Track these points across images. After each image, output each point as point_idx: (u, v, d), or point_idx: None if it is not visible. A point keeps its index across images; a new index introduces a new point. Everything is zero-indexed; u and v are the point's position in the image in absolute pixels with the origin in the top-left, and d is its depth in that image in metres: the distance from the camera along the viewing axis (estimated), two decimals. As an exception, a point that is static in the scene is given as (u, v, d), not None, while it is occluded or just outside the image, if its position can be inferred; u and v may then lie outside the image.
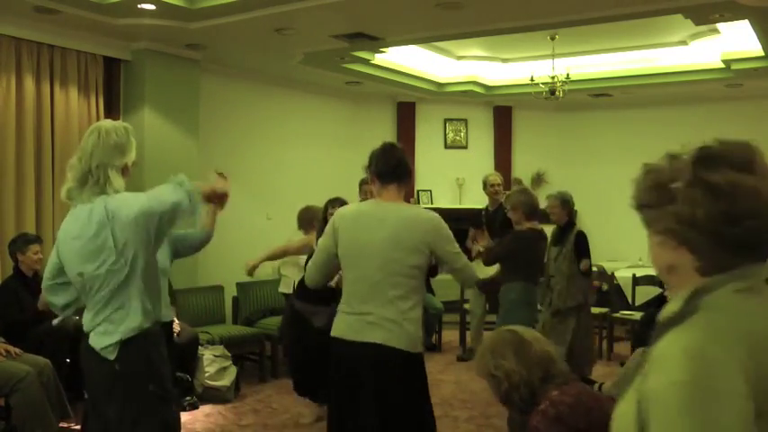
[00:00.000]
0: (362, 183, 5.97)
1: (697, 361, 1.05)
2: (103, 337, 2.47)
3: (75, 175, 2.48)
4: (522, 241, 4.71)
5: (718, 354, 1.05)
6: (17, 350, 4.40)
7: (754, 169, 1.15)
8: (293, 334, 5.02)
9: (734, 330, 1.09)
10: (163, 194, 2.48)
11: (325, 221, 4.79)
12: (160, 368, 2.56)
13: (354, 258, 2.96)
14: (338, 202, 4.85)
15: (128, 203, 2.44)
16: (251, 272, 5.26)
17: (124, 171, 2.53)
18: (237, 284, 6.77)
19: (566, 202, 5.43)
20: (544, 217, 5.20)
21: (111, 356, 2.45)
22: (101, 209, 2.43)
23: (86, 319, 2.54)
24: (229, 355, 5.64)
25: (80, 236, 2.46)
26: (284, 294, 6.27)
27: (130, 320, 2.46)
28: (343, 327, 2.99)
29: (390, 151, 3.04)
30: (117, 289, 2.44)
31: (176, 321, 5.02)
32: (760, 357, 1.06)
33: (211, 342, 5.73)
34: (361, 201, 5.83)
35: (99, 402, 2.56)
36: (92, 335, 2.51)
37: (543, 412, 2.12)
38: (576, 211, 5.56)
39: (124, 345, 2.45)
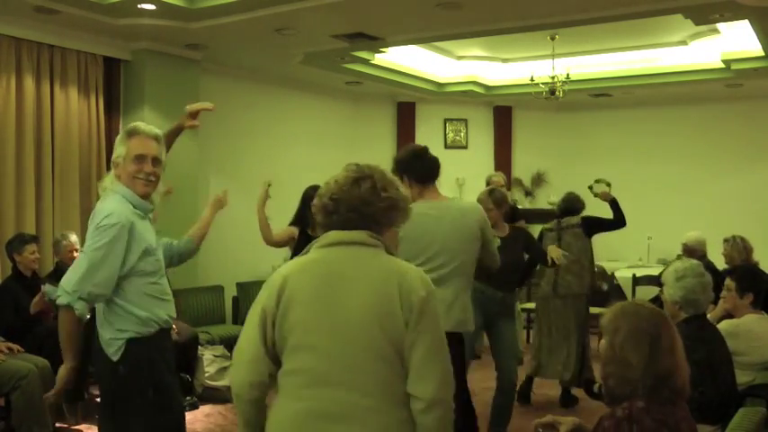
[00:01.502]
0: None
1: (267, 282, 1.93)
2: (103, 329, 2.56)
3: None
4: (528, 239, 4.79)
5: (276, 276, 1.89)
6: (18, 347, 4.41)
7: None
8: None
9: (297, 266, 1.91)
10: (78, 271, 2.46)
11: (306, 213, 4.72)
12: (164, 375, 2.57)
13: (421, 253, 3.10)
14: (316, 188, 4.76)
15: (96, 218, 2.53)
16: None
17: (115, 167, 2.63)
18: (237, 284, 6.78)
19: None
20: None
21: (116, 358, 2.48)
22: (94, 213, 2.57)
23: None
24: (229, 355, 5.63)
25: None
26: None
27: (121, 319, 2.52)
28: None
29: (419, 156, 3.37)
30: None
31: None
32: (286, 285, 1.86)
33: (211, 342, 5.73)
34: None
35: (104, 403, 2.60)
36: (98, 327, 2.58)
37: (618, 422, 1.86)
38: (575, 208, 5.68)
39: (128, 347, 2.48)
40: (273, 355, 1.86)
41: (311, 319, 1.83)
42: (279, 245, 4.95)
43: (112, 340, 2.50)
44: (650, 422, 1.85)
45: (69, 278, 2.45)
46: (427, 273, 2.99)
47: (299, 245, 4.66)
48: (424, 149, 3.40)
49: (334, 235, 1.91)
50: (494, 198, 4.52)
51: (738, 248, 5.40)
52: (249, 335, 1.88)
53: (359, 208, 1.90)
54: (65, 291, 2.44)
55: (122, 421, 2.51)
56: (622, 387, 1.91)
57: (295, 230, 4.78)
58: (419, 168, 3.32)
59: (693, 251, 5.85)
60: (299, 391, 1.82)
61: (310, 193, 4.76)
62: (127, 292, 2.51)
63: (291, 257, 4.72)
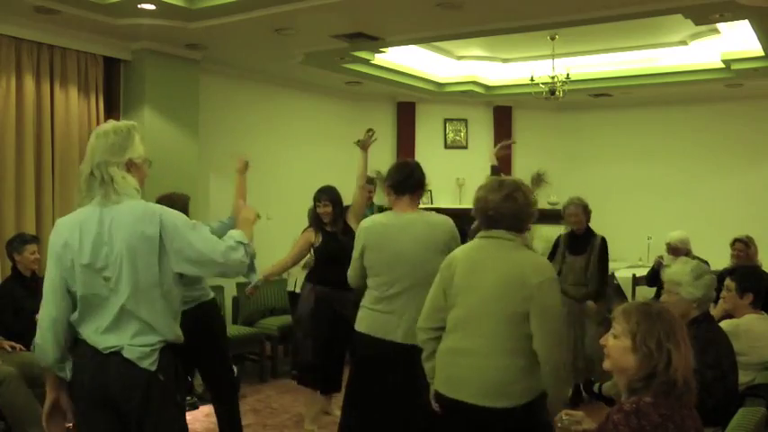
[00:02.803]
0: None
1: None
2: (139, 347, 2.34)
3: (83, 180, 2.42)
4: None
5: (450, 256, 2.82)
6: (21, 346, 4.40)
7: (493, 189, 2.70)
8: (316, 322, 4.78)
9: (463, 249, 2.83)
10: (224, 247, 2.42)
11: (317, 215, 4.83)
12: (182, 378, 2.53)
13: (384, 265, 3.33)
14: (326, 193, 4.82)
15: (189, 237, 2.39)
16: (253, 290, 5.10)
17: (130, 167, 2.43)
18: (237, 284, 6.77)
19: (587, 208, 5.52)
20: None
21: (154, 367, 2.34)
22: (151, 216, 2.37)
23: (110, 335, 2.35)
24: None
25: (101, 236, 2.35)
26: (290, 293, 6.29)
27: (165, 322, 2.40)
28: (372, 324, 3.35)
29: (402, 166, 3.47)
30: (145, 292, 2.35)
31: None
32: (454, 262, 2.76)
33: (211, 342, 5.72)
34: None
35: (128, 417, 2.39)
36: (126, 348, 2.34)
37: (627, 415, 1.91)
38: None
39: (161, 355, 2.36)
40: (447, 308, 2.71)
41: (463, 285, 2.65)
42: (301, 257, 4.98)
43: (153, 351, 2.35)
44: (657, 417, 1.89)
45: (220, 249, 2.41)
46: (386, 283, 3.27)
47: (322, 241, 4.80)
48: (407, 163, 3.52)
49: (484, 231, 2.71)
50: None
51: (755, 250, 5.52)
52: (434, 292, 2.78)
53: (515, 215, 2.67)
54: (245, 253, 2.44)
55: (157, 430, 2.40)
56: (660, 387, 1.93)
57: (310, 234, 4.86)
58: (393, 177, 3.42)
59: (678, 250, 5.94)
60: (448, 334, 2.68)
61: (317, 195, 4.84)
62: (175, 298, 2.43)
63: (315, 255, 4.87)
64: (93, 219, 2.36)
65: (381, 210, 5.78)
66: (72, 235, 2.37)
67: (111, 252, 2.33)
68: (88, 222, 2.37)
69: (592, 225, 5.69)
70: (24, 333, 4.56)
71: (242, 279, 6.82)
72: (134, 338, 2.34)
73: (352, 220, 4.84)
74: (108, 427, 2.40)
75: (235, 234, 2.49)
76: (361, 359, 3.49)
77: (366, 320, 3.43)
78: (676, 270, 3.14)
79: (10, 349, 4.35)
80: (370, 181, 5.98)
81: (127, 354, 2.33)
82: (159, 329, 2.37)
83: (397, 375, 3.29)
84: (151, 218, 2.35)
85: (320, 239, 4.80)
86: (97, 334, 2.36)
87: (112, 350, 2.34)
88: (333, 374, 4.80)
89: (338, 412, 5.12)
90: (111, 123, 2.51)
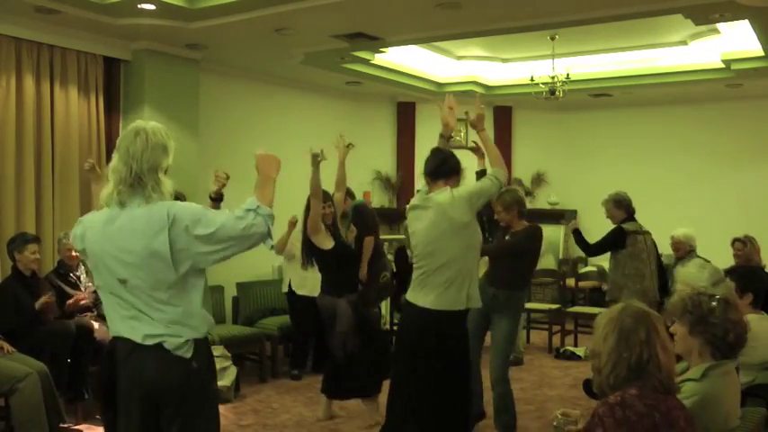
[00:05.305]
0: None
1: None
2: (172, 338, 2.31)
3: (123, 179, 2.34)
4: (534, 237, 4.58)
5: None
6: (10, 348, 4.39)
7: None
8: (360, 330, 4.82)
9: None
10: (234, 220, 2.35)
11: (308, 213, 4.85)
12: (216, 373, 2.52)
13: (431, 246, 3.47)
14: (328, 195, 4.92)
15: (197, 216, 2.33)
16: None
17: (166, 173, 2.43)
18: (237, 284, 6.77)
19: (618, 202, 5.31)
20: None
21: (188, 354, 2.29)
22: (162, 214, 2.30)
23: (137, 328, 2.31)
24: (229, 355, 5.63)
25: (131, 243, 2.30)
26: (288, 294, 6.30)
27: (194, 319, 2.38)
28: (451, 301, 3.46)
29: (435, 153, 3.62)
30: (174, 291, 2.33)
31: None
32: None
33: (211, 342, 5.71)
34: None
35: (162, 411, 2.34)
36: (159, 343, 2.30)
37: (611, 407, 1.95)
38: (634, 209, 5.34)
39: (195, 344, 2.34)
40: None
41: None
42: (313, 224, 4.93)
43: (188, 342, 2.33)
44: (642, 407, 1.95)
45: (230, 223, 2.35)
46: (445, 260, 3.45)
47: (338, 248, 4.84)
48: (440, 150, 3.65)
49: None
50: (501, 201, 4.63)
51: (756, 250, 5.54)
52: None
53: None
54: (250, 222, 2.35)
55: (190, 421, 2.33)
56: (597, 378, 2.07)
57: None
58: (427, 164, 3.59)
59: (680, 244, 5.97)
60: None
61: (308, 204, 4.85)
62: (199, 291, 2.42)
63: (328, 261, 4.87)
64: (117, 219, 2.35)
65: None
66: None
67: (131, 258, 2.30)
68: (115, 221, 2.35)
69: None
70: (24, 331, 4.58)
71: (242, 279, 6.84)
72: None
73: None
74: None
75: (248, 201, 2.37)
76: None
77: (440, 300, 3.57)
78: (693, 274, 3.11)
79: (6, 353, 4.34)
80: (328, 197, 5.16)
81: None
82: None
83: None
84: (159, 229, 2.28)
85: (332, 243, 4.80)
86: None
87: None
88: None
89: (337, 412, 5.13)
90: (150, 123, 2.52)
